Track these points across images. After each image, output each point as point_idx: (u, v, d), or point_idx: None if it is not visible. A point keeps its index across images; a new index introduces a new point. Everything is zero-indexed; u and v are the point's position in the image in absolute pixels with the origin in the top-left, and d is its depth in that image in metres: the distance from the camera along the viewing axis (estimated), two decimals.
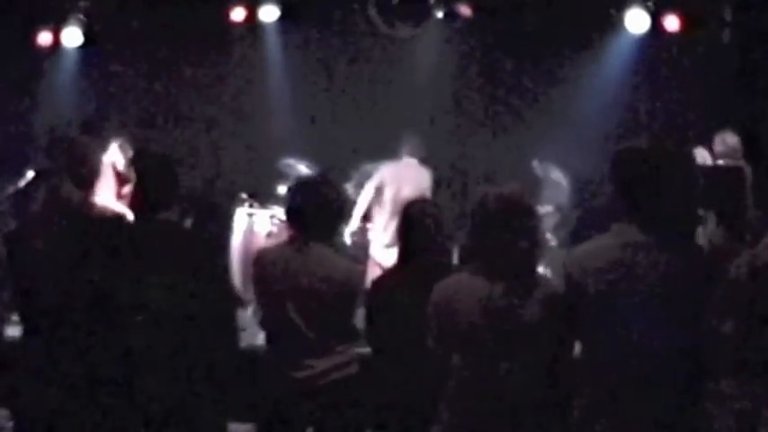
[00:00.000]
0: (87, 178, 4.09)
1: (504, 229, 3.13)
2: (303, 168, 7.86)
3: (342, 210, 4.05)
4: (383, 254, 7.56)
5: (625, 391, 3.25)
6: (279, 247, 4.05)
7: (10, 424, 4.15)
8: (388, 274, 4.14)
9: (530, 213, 3.24)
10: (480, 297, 3.12)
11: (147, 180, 3.83)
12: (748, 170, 6.38)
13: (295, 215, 3.95)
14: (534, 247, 3.21)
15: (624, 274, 3.24)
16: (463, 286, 3.19)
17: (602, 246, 3.35)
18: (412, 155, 8.00)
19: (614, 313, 3.26)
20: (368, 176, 8.07)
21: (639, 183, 3.32)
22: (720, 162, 6.85)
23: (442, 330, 3.23)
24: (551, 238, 7.65)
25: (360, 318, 4.00)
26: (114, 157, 7.09)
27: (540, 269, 6.95)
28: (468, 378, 3.15)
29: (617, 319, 3.25)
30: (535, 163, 8.20)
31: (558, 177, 8.09)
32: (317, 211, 3.87)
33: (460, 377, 3.17)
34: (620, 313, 3.25)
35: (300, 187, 4.10)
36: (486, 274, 3.14)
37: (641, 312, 3.25)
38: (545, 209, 7.64)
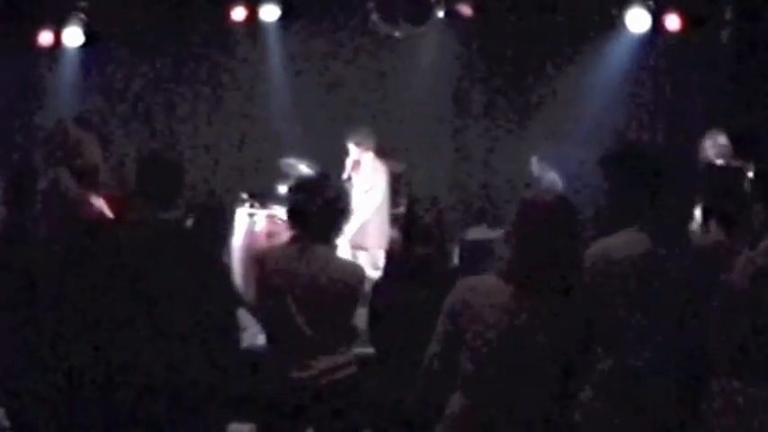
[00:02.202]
0: (84, 170, 4.09)
1: (548, 243, 2.96)
2: (303, 168, 7.85)
3: (344, 210, 4.04)
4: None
5: (633, 383, 3.26)
6: (281, 247, 4.05)
7: (8, 423, 4.16)
8: (391, 275, 4.14)
9: (575, 223, 3.05)
10: (503, 306, 2.98)
11: (149, 180, 3.83)
12: (750, 169, 6.36)
13: (297, 215, 3.95)
14: (574, 263, 3.05)
15: (642, 269, 3.27)
16: (489, 290, 3.02)
17: (623, 241, 3.38)
18: (365, 148, 7.93)
19: (629, 307, 3.28)
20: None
21: (646, 181, 3.35)
22: (719, 162, 6.84)
23: (453, 330, 3.05)
24: None
25: (361, 318, 4.00)
26: None
27: None
28: (476, 383, 3.05)
29: (631, 313, 3.28)
30: (533, 160, 8.17)
31: (553, 178, 8.06)
32: (320, 211, 3.87)
33: (467, 381, 3.07)
34: (634, 308, 3.28)
35: (303, 187, 4.10)
36: (516, 282, 2.98)
37: (655, 308, 3.27)
38: None
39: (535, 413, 3.00)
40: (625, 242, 3.40)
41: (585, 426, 3.29)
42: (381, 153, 8.00)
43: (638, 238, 3.36)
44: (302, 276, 3.81)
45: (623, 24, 8.27)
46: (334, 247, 4.04)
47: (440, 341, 3.10)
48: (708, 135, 6.99)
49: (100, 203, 4.41)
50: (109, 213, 4.51)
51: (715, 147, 6.82)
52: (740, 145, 7.15)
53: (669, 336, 3.29)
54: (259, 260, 4.03)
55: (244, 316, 5.34)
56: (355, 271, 3.98)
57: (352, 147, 7.96)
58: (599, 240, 3.46)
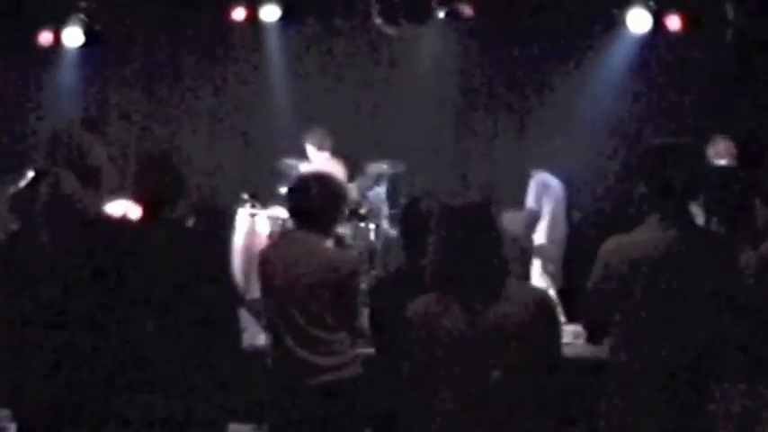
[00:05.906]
0: (89, 173, 4.08)
1: (470, 246, 3.03)
2: (304, 168, 7.86)
3: (341, 203, 4.09)
4: None
5: (652, 382, 3.26)
6: (279, 242, 4.07)
7: (11, 425, 4.16)
8: (393, 274, 4.14)
9: (494, 224, 3.14)
10: (456, 311, 3.03)
11: (151, 180, 3.83)
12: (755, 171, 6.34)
13: (296, 208, 3.99)
14: (502, 257, 3.10)
15: (662, 266, 3.25)
16: (438, 303, 3.08)
17: (641, 238, 3.35)
18: (321, 148, 8.07)
19: (650, 305, 3.28)
20: (369, 177, 8.06)
21: (680, 177, 3.33)
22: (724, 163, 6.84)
23: (419, 345, 3.12)
24: (543, 240, 7.67)
25: (364, 317, 4.00)
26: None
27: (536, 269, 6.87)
28: (455, 386, 3.07)
29: (653, 310, 3.27)
30: (533, 174, 8.10)
31: (554, 184, 8.02)
32: (318, 204, 3.93)
33: (448, 386, 3.08)
34: (656, 305, 3.27)
35: (302, 181, 4.13)
36: (458, 290, 3.04)
37: (675, 304, 3.26)
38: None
39: (511, 401, 3.02)
40: (641, 238, 3.36)
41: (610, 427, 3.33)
42: (337, 154, 8.13)
43: (661, 236, 3.32)
44: (300, 270, 3.86)
45: (624, 24, 8.26)
46: (342, 243, 4.07)
47: (407, 354, 3.17)
48: (713, 141, 6.94)
49: (103, 205, 4.40)
50: (110, 213, 4.51)
51: (726, 155, 6.73)
52: (742, 146, 7.15)
53: (680, 336, 3.27)
54: (260, 259, 4.07)
55: (244, 316, 5.35)
56: (352, 262, 4.07)
57: (309, 147, 8.11)
58: (612, 239, 3.43)
